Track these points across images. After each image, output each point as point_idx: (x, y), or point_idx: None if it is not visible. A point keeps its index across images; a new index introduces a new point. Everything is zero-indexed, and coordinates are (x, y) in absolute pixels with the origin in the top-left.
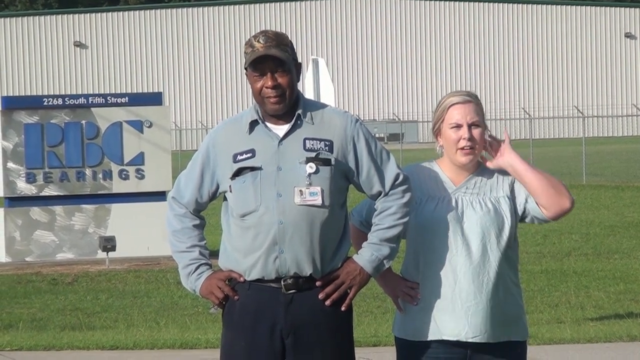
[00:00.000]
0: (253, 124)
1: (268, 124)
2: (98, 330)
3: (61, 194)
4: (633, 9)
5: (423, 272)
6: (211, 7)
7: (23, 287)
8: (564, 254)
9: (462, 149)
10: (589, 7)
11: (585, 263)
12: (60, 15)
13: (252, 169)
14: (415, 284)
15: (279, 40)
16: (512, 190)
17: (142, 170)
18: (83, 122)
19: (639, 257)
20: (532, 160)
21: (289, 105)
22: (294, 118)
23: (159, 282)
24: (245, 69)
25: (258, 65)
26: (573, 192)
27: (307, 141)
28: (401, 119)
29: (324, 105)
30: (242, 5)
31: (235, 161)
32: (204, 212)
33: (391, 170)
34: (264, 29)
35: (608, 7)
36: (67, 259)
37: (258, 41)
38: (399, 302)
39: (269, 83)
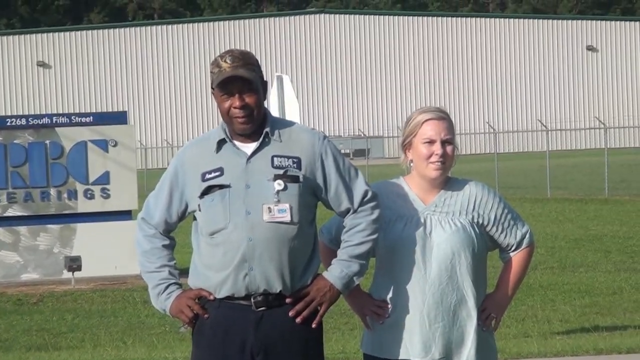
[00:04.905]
0: (221, 143)
1: (236, 143)
2: (64, 351)
3: (25, 214)
4: (594, 21)
5: (392, 292)
6: (175, 25)
7: None
8: (529, 268)
9: (434, 163)
10: (550, 20)
11: (551, 277)
12: (22, 35)
13: (221, 187)
14: (384, 303)
15: (246, 60)
16: (481, 217)
17: (108, 190)
18: (47, 141)
19: (604, 270)
20: (497, 174)
21: (257, 124)
22: (262, 136)
23: (126, 302)
24: (212, 88)
25: (226, 85)
26: (538, 206)
27: (275, 158)
28: (366, 135)
29: (291, 123)
30: (207, 23)
31: (203, 180)
32: (173, 232)
33: (360, 187)
34: (229, 46)
35: (569, 20)
36: (32, 279)
37: (225, 61)
38: (367, 320)
39: (237, 103)
